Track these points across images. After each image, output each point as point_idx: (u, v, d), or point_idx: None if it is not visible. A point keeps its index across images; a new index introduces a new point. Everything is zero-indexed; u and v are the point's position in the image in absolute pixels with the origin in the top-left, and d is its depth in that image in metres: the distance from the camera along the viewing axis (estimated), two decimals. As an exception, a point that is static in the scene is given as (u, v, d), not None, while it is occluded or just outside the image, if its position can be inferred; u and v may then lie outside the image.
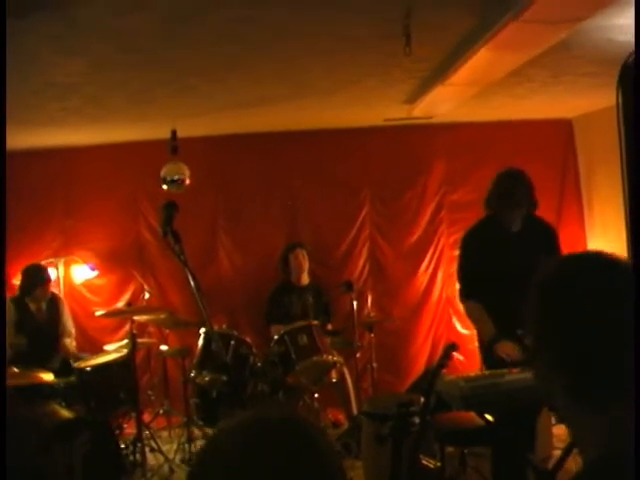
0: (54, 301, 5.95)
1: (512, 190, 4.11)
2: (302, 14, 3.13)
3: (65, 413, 4.80)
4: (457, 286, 4.47)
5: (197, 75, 4.27)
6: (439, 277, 7.14)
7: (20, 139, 6.19)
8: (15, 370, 4.90)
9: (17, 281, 6.67)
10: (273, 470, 0.98)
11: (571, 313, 1.16)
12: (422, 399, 3.38)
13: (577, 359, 1.14)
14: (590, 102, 6.07)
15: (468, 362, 6.44)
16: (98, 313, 5.73)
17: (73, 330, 6.10)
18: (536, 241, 4.17)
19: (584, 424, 1.16)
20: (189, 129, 5.85)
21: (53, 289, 6.06)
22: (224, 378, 5.17)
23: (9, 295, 6.53)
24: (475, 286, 4.22)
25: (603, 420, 1.11)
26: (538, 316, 1.22)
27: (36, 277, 5.80)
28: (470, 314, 4.38)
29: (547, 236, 4.29)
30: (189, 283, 2.62)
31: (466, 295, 4.30)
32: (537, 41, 3.39)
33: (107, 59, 3.59)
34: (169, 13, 2.96)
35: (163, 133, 5.72)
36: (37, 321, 5.73)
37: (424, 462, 3.55)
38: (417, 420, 3.12)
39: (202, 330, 5.55)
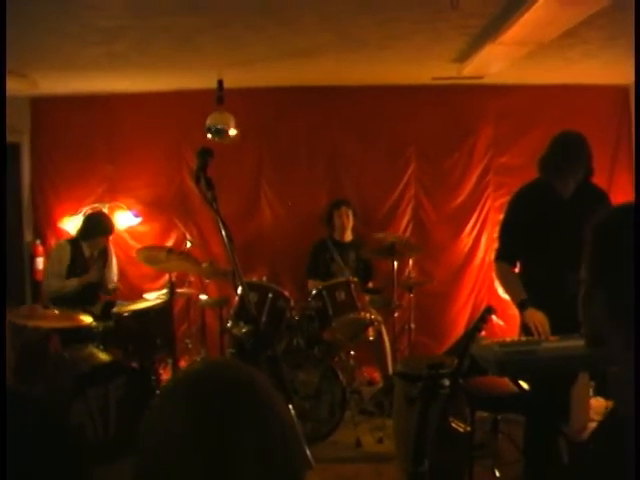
0: (106, 251, 6.01)
1: (571, 156, 3.85)
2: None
3: (102, 356, 4.88)
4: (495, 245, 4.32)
5: (240, 24, 4.20)
6: (483, 241, 7.03)
7: (62, 84, 6.22)
8: (55, 312, 4.97)
9: (61, 225, 6.79)
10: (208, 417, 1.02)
11: (620, 257, 1.25)
12: (455, 361, 3.32)
13: (624, 299, 1.23)
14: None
15: (508, 327, 6.36)
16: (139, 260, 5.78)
17: (115, 281, 6.17)
18: (587, 209, 3.94)
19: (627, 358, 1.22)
20: (235, 80, 5.80)
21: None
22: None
23: (56, 238, 6.68)
24: (514, 249, 4.08)
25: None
26: (591, 259, 1.32)
27: (100, 227, 5.83)
28: (500, 275, 4.23)
29: (599, 204, 4.02)
30: (220, 232, 2.59)
31: (501, 256, 4.12)
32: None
33: (148, 2, 3.54)
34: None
35: (209, 83, 5.69)
36: (88, 266, 5.78)
37: (454, 425, 3.52)
38: (447, 382, 3.07)
39: (240, 286, 5.55)
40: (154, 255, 5.32)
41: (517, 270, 4.19)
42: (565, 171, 3.87)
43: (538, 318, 3.69)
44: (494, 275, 6.82)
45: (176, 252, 5.38)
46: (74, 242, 5.83)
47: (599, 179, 4.25)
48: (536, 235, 3.98)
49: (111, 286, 6.03)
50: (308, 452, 2.72)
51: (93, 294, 5.86)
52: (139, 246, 6.92)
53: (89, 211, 6.57)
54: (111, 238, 6.06)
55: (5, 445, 1.04)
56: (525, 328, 3.81)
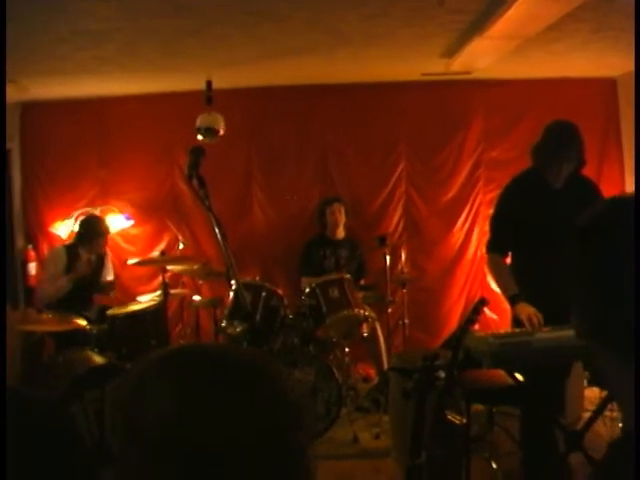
0: (103, 255, 6.01)
1: (565, 141, 3.86)
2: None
3: (97, 359, 4.87)
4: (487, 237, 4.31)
5: (227, 24, 4.20)
6: (475, 235, 7.05)
7: (52, 89, 6.21)
8: (49, 316, 4.95)
9: (53, 229, 6.78)
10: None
11: (604, 264, 1.01)
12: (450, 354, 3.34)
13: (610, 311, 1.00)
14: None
15: (501, 321, 6.39)
16: (131, 261, 5.80)
17: (110, 279, 6.18)
18: (578, 200, 3.97)
19: (620, 377, 1.03)
20: (224, 80, 5.81)
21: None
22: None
23: (48, 243, 6.67)
24: (505, 240, 4.10)
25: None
26: (577, 267, 1.08)
27: (97, 229, 5.83)
28: (492, 268, 4.25)
29: (590, 195, 4.04)
30: (213, 229, 2.60)
31: (493, 248, 4.14)
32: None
33: (136, 4, 3.55)
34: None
35: (198, 84, 5.70)
36: (85, 270, 5.76)
37: (450, 418, 3.53)
38: (442, 374, 3.09)
39: (234, 281, 5.55)
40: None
41: (508, 260, 4.22)
42: (559, 157, 3.88)
43: (530, 311, 3.71)
44: (486, 269, 6.86)
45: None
46: (70, 247, 5.82)
47: (587, 171, 4.27)
48: (527, 226, 4.00)
49: (107, 280, 6.02)
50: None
51: (88, 297, 5.85)
52: (132, 249, 6.94)
53: (81, 216, 6.56)
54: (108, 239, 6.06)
55: (5, 445, 1.03)
56: (517, 322, 3.83)
